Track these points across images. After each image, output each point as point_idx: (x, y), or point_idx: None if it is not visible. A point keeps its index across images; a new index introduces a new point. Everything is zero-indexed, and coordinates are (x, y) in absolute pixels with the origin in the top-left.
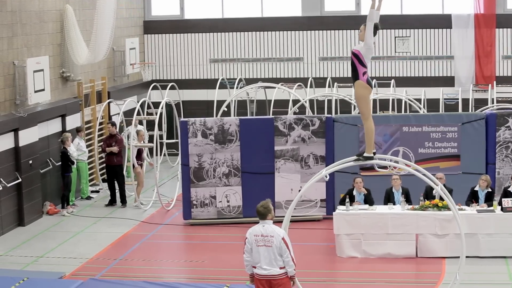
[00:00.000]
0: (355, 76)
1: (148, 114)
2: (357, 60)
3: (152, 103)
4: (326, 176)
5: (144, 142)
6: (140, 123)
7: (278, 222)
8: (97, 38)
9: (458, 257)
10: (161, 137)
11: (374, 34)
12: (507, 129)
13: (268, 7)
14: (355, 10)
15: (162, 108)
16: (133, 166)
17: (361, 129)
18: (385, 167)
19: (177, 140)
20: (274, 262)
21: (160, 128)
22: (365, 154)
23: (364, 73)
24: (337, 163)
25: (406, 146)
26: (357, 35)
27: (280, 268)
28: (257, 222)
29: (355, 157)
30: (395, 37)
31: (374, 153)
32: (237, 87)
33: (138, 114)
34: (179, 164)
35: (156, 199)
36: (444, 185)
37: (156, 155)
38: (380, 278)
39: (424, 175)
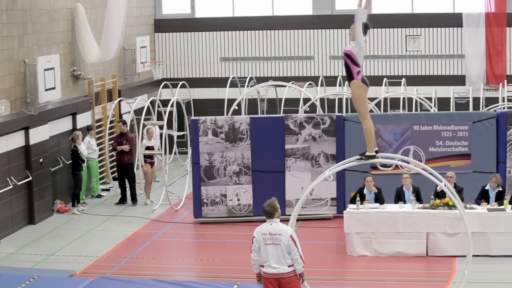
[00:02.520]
0: (350, 76)
1: (158, 113)
2: (350, 60)
3: (163, 101)
4: (329, 177)
5: (153, 139)
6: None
7: (288, 220)
8: (108, 37)
9: None
10: (170, 135)
11: (365, 33)
12: None
13: (278, 5)
14: None
15: (172, 107)
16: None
17: None
18: (389, 165)
19: (185, 133)
20: (283, 260)
21: (171, 127)
22: (367, 153)
23: (358, 72)
24: (341, 163)
25: (417, 145)
26: (367, 34)
27: (289, 266)
28: None
29: (357, 157)
30: (406, 35)
31: (377, 152)
32: (247, 86)
33: (149, 112)
34: (189, 162)
35: (166, 203)
36: (454, 184)
37: (165, 153)
38: (391, 276)
39: (430, 173)
